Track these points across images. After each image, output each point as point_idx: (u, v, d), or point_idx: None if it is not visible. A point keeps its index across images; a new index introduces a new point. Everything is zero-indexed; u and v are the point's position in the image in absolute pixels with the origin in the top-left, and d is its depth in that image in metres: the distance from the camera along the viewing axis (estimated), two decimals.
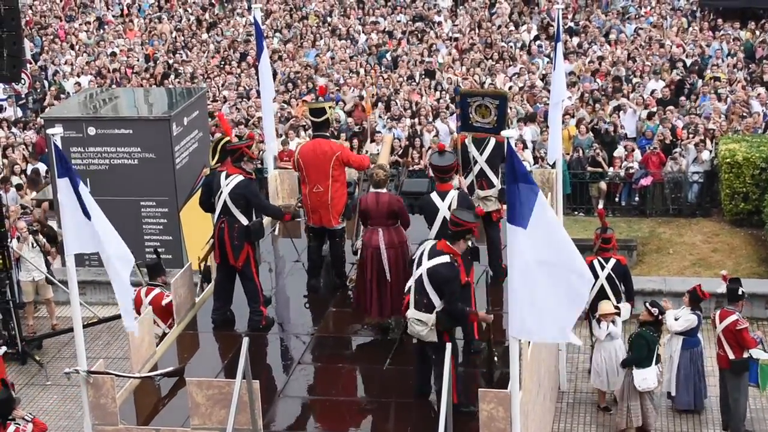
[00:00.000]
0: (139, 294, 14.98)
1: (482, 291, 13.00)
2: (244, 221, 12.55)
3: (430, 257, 10.86)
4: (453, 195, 11.89)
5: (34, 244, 18.49)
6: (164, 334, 13.79)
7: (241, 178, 12.59)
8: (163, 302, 14.56)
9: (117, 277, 10.33)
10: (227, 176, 12.63)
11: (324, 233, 13.54)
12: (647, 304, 14.66)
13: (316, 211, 13.36)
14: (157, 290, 14.99)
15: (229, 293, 12.92)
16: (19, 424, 12.78)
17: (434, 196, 11.99)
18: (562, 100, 16.27)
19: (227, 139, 13.42)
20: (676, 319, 14.91)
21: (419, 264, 10.95)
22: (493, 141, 13.54)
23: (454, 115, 24.59)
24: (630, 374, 14.41)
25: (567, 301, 9.56)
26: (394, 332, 12.36)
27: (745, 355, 14.43)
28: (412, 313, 10.94)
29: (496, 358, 11.47)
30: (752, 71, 27.99)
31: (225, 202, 12.53)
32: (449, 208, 11.75)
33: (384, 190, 12.33)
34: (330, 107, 13.55)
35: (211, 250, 13.13)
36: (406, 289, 11.16)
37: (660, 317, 14.50)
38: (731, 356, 14.41)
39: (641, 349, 14.29)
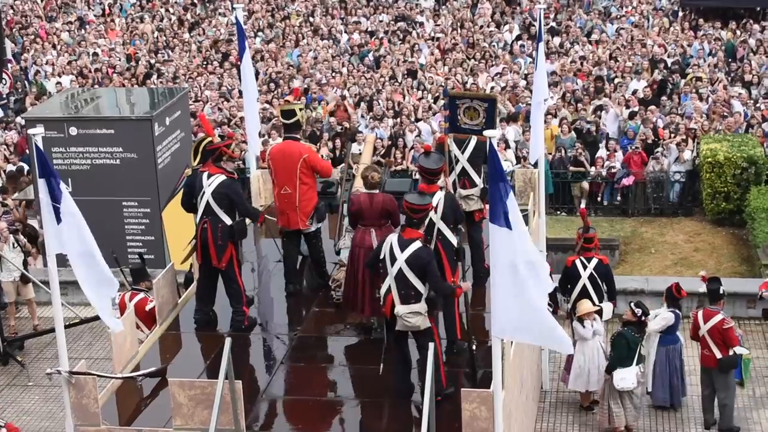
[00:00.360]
0: (123, 298, 14.94)
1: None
2: (228, 221, 12.51)
3: (402, 249, 10.95)
4: (440, 196, 11.86)
5: (15, 245, 18.42)
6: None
7: (223, 177, 12.56)
8: (147, 307, 14.46)
9: (91, 276, 10.34)
10: (209, 176, 12.58)
11: (298, 236, 13.51)
12: (632, 304, 14.64)
13: (284, 212, 13.36)
14: (141, 295, 14.91)
15: (211, 294, 12.89)
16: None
17: None
18: (544, 100, 16.28)
19: (209, 139, 13.38)
20: (655, 317, 14.97)
21: (393, 259, 10.99)
22: (474, 140, 13.56)
23: (437, 114, 24.75)
24: (610, 373, 14.44)
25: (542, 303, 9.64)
26: (377, 332, 12.35)
27: (730, 352, 14.47)
28: (402, 309, 10.97)
29: (474, 346, 11.53)
30: (733, 71, 28.09)
31: (208, 202, 12.49)
32: (435, 210, 11.74)
33: (377, 191, 12.30)
34: (300, 109, 13.49)
35: (193, 251, 13.09)
36: (384, 289, 11.14)
37: (643, 318, 14.50)
38: (718, 355, 14.44)
39: (621, 349, 14.28)
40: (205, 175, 12.61)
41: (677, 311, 15.05)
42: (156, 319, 13.00)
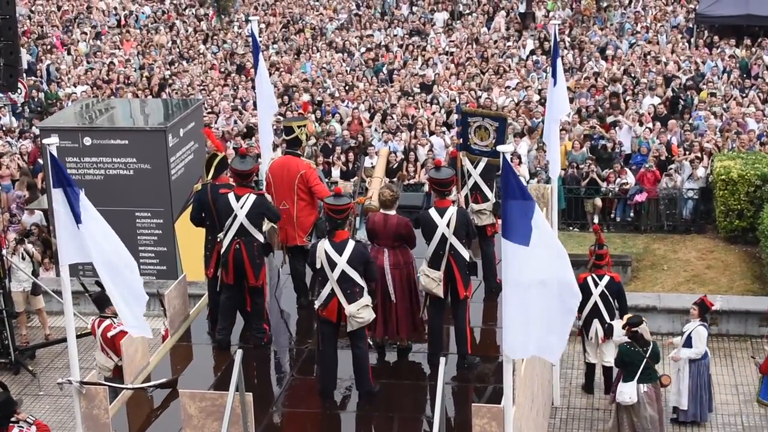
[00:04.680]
0: (93, 325, 14.92)
1: (477, 305, 12.99)
2: (261, 239, 12.38)
3: (339, 252, 11.16)
4: (452, 212, 11.81)
5: (24, 255, 18.47)
6: (116, 367, 13.85)
7: (254, 196, 12.35)
8: (109, 334, 14.37)
9: (120, 283, 10.36)
10: (238, 198, 12.31)
11: (303, 250, 13.41)
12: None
13: (283, 228, 13.33)
14: (107, 321, 14.74)
15: (235, 313, 12.75)
16: (23, 427, 12.64)
17: (433, 212, 11.88)
18: (566, 116, 16.22)
19: (222, 155, 13.29)
20: (689, 343, 14.88)
21: (333, 264, 11.14)
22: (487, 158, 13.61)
23: (453, 129, 24.75)
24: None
25: (559, 316, 9.59)
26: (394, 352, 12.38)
27: None
28: (352, 308, 11.17)
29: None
30: (747, 88, 28.02)
31: (242, 223, 12.25)
32: (448, 225, 11.72)
33: (393, 212, 12.10)
34: (299, 126, 13.43)
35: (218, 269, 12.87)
36: (326, 295, 11.25)
37: (635, 330, 14.38)
38: None
39: (617, 361, 14.50)
40: (232, 196, 12.35)
41: (706, 324, 15.03)
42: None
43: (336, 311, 11.24)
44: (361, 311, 11.22)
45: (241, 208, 12.27)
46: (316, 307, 11.45)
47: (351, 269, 11.16)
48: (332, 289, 11.22)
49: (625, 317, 14.88)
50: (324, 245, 11.25)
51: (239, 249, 12.29)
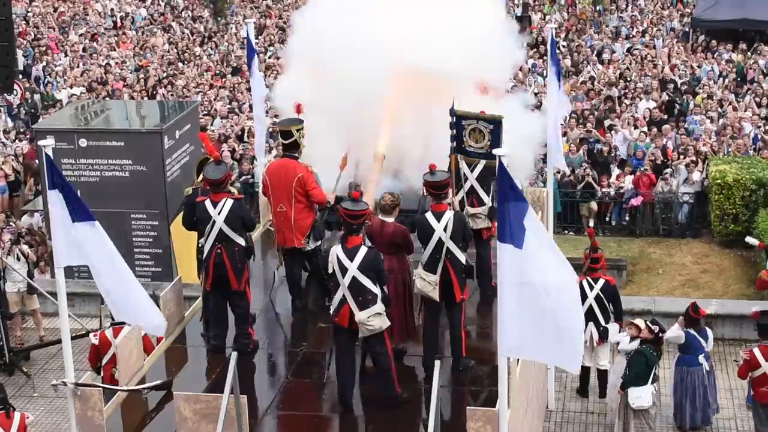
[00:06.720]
0: (104, 334, 14.72)
1: (472, 309, 12.99)
2: (243, 242, 12.34)
3: (351, 258, 11.07)
4: (449, 216, 11.79)
5: (20, 256, 18.45)
6: None
7: (231, 201, 12.29)
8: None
9: (123, 283, 10.37)
10: (215, 204, 12.26)
11: (300, 253, 13.43)
12: (647, 322, 14.56)
13: (280, 230, 13.33)
14: (126, 329, 14.63)
15: (226, 317, 12.72)
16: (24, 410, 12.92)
17: (430, 216, 11.87)
18: (562, 121, 16.21)
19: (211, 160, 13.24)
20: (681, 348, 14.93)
21: (344, 270, 11.06)
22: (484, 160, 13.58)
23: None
24: (625, 391, 14.40)
25: (566, 324, 9.53)
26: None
27: None
28: (362, 315, 11.08)
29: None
30: (743, 93, 28.04)
31: (221, 229, 12.21)
32: (445, 229, 11.71)
33: (391, 219, 12.08)
34: (297, 129, 13.38)
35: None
36: (338, 300, 11.20)
37: (660, 335, 14.41)
38: None
39: (640, 367, 14.24)
40: (208, 203, 12.30)
41: (691, 332, 14.91)
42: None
43: (348, 317, 11.18)
44: (371, 319, 11.11)
45: (219, 214, 12.23)
46: (330, 312, 11.41)
47: (362, 275, 11.06)
48: (344, 296, 11.17)
49: (637, 321, 14.85)
50: (336, 250, 11.22)
51: (220, 254, 12.25)
